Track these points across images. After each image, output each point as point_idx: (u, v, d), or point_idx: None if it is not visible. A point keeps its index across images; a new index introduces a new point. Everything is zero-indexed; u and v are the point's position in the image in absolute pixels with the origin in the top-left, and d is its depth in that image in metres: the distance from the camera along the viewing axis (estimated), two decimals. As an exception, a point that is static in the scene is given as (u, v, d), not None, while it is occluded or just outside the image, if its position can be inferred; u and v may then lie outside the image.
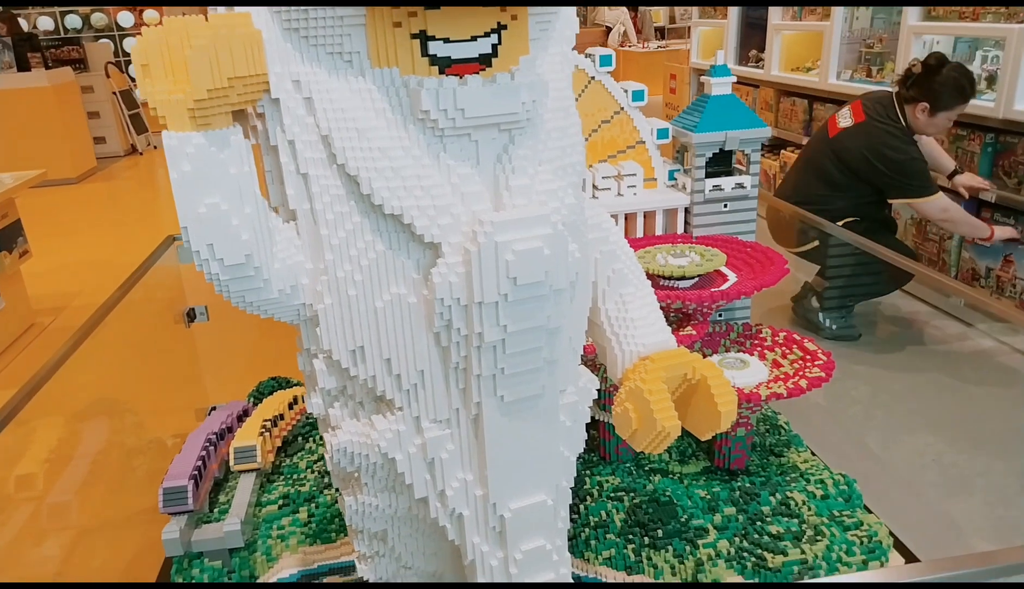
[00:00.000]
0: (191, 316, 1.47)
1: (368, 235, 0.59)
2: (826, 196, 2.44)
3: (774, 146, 4.08)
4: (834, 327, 2.49)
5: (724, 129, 1.26)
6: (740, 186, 1.30)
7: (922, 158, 2.40)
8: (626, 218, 1.37)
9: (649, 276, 1.22)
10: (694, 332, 1.06)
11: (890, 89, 2.48)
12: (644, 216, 1.36)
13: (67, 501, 1.62)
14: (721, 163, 1.34)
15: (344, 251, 0.60)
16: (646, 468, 1.15)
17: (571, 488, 0.70)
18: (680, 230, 1.37)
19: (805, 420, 1.33)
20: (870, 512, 1.06)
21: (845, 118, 2.49)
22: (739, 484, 1.08)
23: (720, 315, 1.37)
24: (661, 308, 1.14)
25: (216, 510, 1.10)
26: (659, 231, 1.37)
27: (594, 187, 1.33)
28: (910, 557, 1.01)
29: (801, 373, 1.05)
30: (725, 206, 1.33)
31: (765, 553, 0.98)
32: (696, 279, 1.18)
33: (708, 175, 1.31)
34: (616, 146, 1.37)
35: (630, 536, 1.02)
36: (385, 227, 0.59)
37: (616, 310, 0.75)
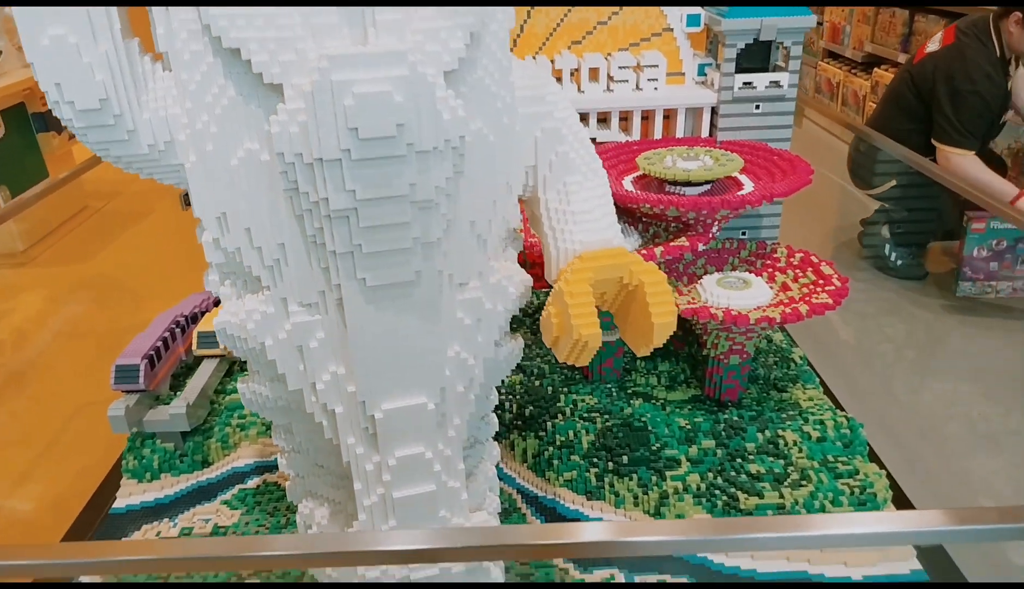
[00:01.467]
0: (188, 200, 1.43)
1: (221, 78, 0.50)
2: (907, 130, 2.16)
3: (867, 63, 3.69)
4: (899, 262, 2.26)
5: (760, 15, 1.08)
6: (775, 84, 1.13)
7: (988, 106, 2.06)
8: (644, 116, 1.22)
9: (653, 181, 1.09)
10: (687, 243, 0.93)
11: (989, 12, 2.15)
12: (665, 115, 1.21)
13: (51, 373, 1.66)
14: (759, 58, 1.17)
15: (200, 98, 0.51)
16: (629, 391, 1.05)
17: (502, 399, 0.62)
18: (705, 133, 1.21)
19: (827, 355, 1.19)
20: (873, 461, 0.93)
21: (934, 43, 2.20)
22: (726, 417, 0.97)
23: (744, 234, 1.23)
24: (656, 216, 1.02)
25: (178, 393, 1.07)
26: (680, 133, 1.22)
27: (609, 78, 1.19)
28: (910, 514, 0.88)
29: (807, 298, 0.92)
30: (757, 107, 1.16)
31: (739, 493, 0.88)
32: (707, 187, 1.04)
33: (741, 70, 1.14)
34: (639, 33, 1.21)
35: (595, 460, 0.94)
36: (236, 68, 0.50)
37: (557, 201, 0.64)
